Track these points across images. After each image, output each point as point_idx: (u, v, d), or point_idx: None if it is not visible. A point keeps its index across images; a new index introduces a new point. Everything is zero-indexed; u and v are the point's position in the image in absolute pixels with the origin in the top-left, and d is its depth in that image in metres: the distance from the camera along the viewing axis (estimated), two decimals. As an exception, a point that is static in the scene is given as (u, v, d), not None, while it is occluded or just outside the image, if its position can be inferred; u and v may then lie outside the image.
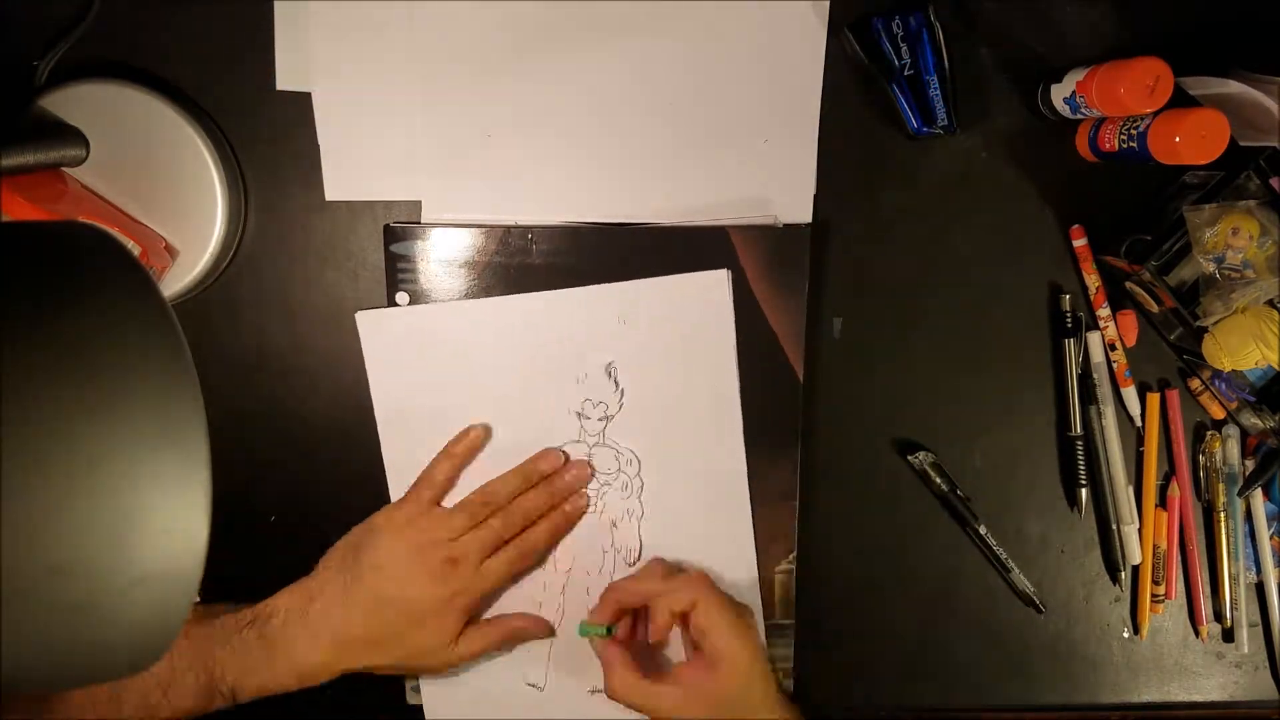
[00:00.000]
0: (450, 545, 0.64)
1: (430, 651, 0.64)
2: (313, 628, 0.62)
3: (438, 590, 0.63)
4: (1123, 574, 0.72)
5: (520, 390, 0.67)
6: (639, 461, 0.68)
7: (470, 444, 0.67)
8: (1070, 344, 0.69)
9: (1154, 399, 0.71)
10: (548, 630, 0.68)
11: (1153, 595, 0.72)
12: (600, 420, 0.68)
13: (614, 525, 0.69)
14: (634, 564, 0.69)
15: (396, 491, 0.68)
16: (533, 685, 0.69)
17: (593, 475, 0.68)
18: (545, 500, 0.67)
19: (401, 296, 0.67)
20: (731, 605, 0.63)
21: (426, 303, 0.67)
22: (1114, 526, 0.71)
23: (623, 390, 0.67)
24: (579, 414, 0.67)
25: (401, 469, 0.68)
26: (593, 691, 0.69)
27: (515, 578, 0.67)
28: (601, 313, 0.67)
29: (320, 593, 0.63)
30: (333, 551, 0.65)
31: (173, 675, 0.60)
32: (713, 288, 0.67)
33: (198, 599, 0.53)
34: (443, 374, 0.67)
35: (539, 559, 0.68)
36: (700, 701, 0.61)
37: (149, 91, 0.62)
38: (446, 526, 0.64)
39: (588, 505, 0.68)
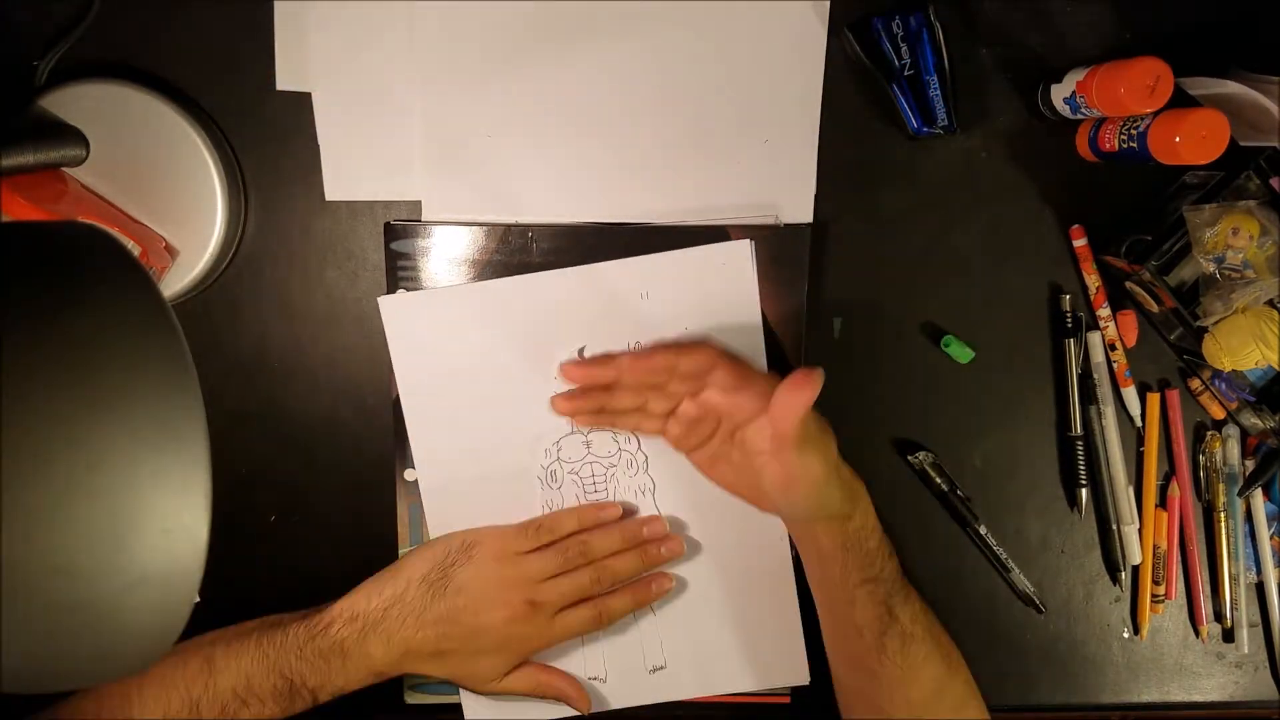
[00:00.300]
0: (537, 588, 0.64)
1: (479, 679, 0.66)
2: (387, 636, 0.62)
3: (509, 630, 0.64)
4: (1123, 574, 0.72)
5: (543, 368, 0.67)
6: (637, 438, 0.68)
7: (606, 517, 0.68)
8: (1070, 344, 0.69)
9: (1154, 399, 0.71)
10: (585, 704, 0.69)
11: (1153, 595, 0.72)
12: None
13: (635, 497, 0.69)
14: None
15: (423, 470, 0.68)
16: (595, 679, 0.70)
17: (683, 552, 0.69)
18: (637, 567, 0.67)
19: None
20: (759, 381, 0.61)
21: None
22: (1114, 526, 0.71)
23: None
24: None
25: (427, 453, 0.68)
26: (653, 671, 0.70)
27: (583, 637, 0.68)
28: (623, 288, 0.66)
29: (399, 599, 0.63)
30: (422, 553, 0.66)
31: (249, 684, 0.60)
32: (736, 258, 0.67)
33: (198, 599, 0.52)
34: (466, 354, 0.67)
35: (609, 625, 0.68)
36: (741, 476, 0.63)
37: (149, 91, 0.62)
38: (539, 568, 0.65)
39: (672, 585, 0.69)
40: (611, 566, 0.66)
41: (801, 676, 0.70)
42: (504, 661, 0.65)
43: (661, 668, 0.70)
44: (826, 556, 0.62)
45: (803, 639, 0.70)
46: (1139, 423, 0.71)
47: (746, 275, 0.67)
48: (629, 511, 0.68)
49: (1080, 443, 0.70)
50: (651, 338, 0.67)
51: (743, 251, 0.66)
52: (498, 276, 0.66)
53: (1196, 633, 0.73)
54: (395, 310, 0.66)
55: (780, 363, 0.68)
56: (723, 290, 0.67)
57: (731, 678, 0.70)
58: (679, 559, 0.69)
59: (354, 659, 0.62)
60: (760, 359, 0.67)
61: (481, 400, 0.67)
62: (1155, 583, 0.72)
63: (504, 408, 0.67)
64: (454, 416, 0.67)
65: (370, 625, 0.62)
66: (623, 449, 0.68)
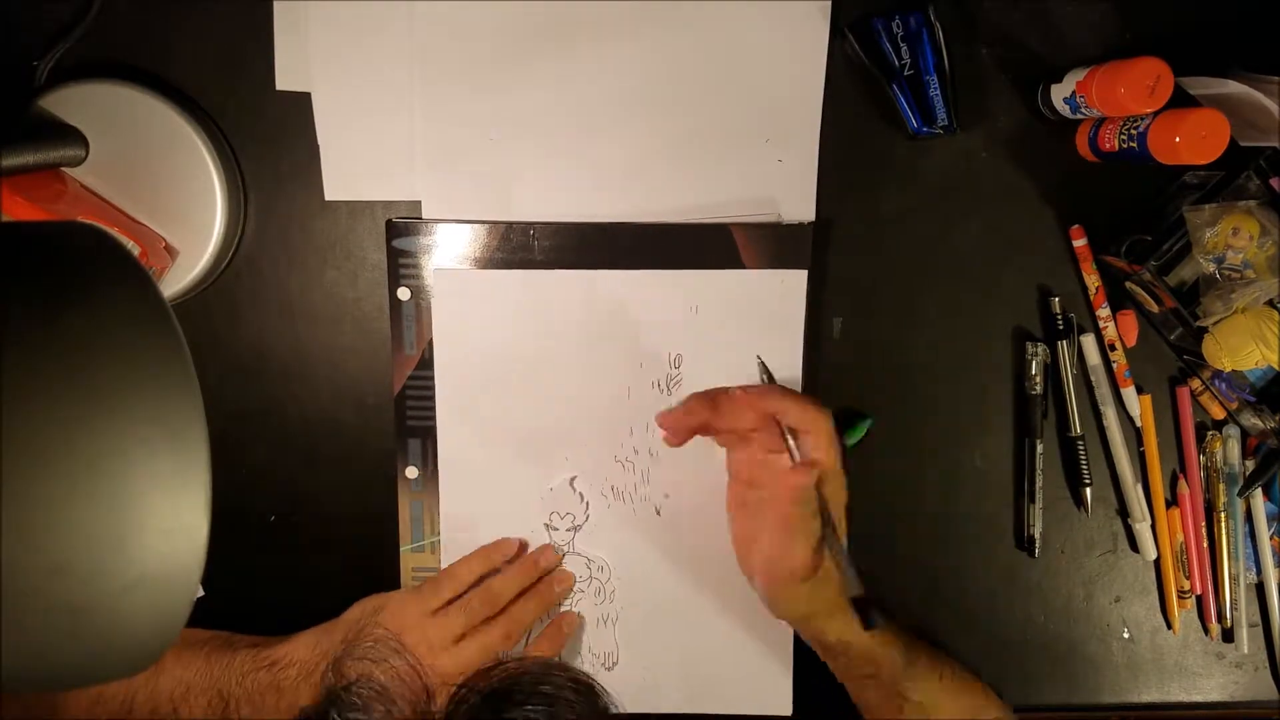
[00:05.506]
0: (443, 655, 0.64)
1: None
2: (317, 685, 0.63)
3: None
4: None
5: (582, 364, 0.68)
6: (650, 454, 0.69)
7: (507, 553, 0.68)
8: (1063, 345, 0.69)
9: (1146, 400, 0.70)
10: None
11: (1179, 591, 0.72)
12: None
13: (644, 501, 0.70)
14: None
15: (446, 452, 0.68)
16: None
17: (573, 585, 0.70)
18: (541, 610, 0.68)
19: (403, 292, 0.67)
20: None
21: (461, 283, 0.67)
22: (1126, 524, 0.71)
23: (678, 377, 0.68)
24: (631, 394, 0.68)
25: (452, 431, 0.68)
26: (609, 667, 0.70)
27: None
28: (674, 298, 0.67)
29: (328, 655, 0.64)
30: (349, 614, 0.67)
31: (187, 693, 0.62)
32: (789, 287, 0.67)
33: (201, 593, 0.52)
34: (508, 338, 0.67)
35: (522, 637, 0.69)
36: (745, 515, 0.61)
37: (149, 91, 0.62)
38: (442, 634, 0.65)
39: (573, 583, 0.70)
40: (517, 618, 0.67)
41: (784, 707, 0.71)
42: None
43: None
44: (818, 648, 0.62)
45: (790, 669, 0.70)
46: (1139, 423, 0.71)
47: (797, 306, 0.67)
48: (524, 545, 0.69)
49: (1081, 443, 0.70)
50: (693, 351, 0.68)
51: (799, 281, 0.67)
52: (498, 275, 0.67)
53: (1206, 630, 0.73)
54: (448, 284, 0.66)
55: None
56: (772, 316, 0.67)
57: (714, 698, 0.70)
58: (687, 574, 0.69)
59: (287, 699, 0.63)
60: (795, 389, 0.68)
61: (513, 387, 0.68)
62: (1185, 577, 0.72)
63: (535, 398, 0.68)
64: (486, 398, 0.68)
65: (305, 674, 0.63)
66: (627, 460, 0.69)
